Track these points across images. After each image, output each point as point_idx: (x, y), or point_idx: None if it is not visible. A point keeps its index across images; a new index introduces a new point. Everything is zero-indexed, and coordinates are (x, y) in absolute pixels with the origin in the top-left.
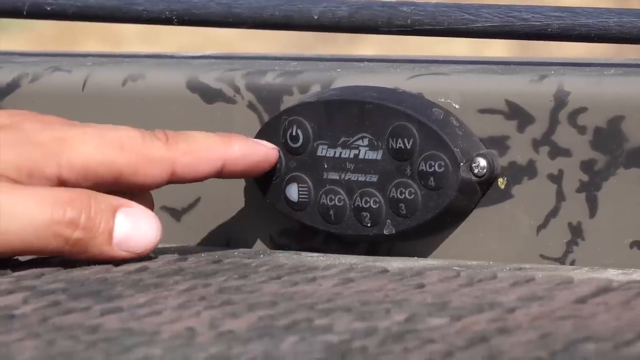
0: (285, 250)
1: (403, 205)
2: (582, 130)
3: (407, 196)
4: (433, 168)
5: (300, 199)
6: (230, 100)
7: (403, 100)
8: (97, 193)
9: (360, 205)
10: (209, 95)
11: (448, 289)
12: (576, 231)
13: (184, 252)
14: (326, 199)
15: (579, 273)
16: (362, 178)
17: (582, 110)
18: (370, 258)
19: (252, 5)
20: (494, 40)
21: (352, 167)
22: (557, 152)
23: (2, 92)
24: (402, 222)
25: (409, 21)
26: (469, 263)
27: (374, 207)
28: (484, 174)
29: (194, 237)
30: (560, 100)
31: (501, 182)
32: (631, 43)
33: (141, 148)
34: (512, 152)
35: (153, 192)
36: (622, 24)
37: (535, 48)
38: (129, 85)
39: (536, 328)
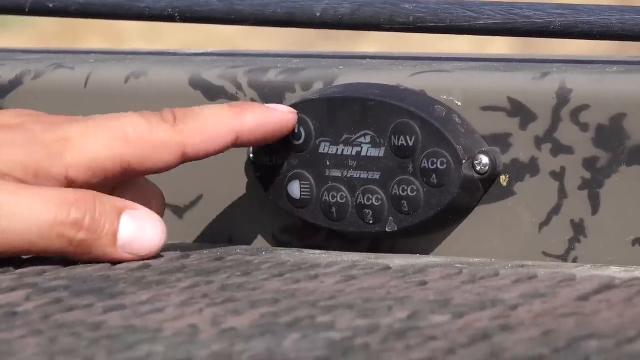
0: (287, 247)
1: (405, 202)
2: (584, 127)
3: (410, 193)
4: (435, 165)
5: (302, 196)
6: (232, 98)
7: (405, 98)
8: (103, 195)
9: (363, 203)
10: (212, 92)
11: (450, 286)
12: (578, 228)
13: (186, 249)
14: (328, 196)
15: (581, 270)
16: (364, 175)
17: (584, 107)
18: (373, 255)
19: (254, 2)
20: (496, 37)
21: (355, 164)
22: (559, 149)
23: (5, 89)
24: (405, 219)
25: (411, 18)
26: (471, 260)
27: (376, 204)
28: (486, 172)
29: (196, 235)
30: (563, 97)
31: (503, 180)
32: (633, 40)
33: (147, 135)
34: (514, 149)
35: None
36: (625, 21)
37: (538, 45)
38: (131, 83)
39: (538, 325)
